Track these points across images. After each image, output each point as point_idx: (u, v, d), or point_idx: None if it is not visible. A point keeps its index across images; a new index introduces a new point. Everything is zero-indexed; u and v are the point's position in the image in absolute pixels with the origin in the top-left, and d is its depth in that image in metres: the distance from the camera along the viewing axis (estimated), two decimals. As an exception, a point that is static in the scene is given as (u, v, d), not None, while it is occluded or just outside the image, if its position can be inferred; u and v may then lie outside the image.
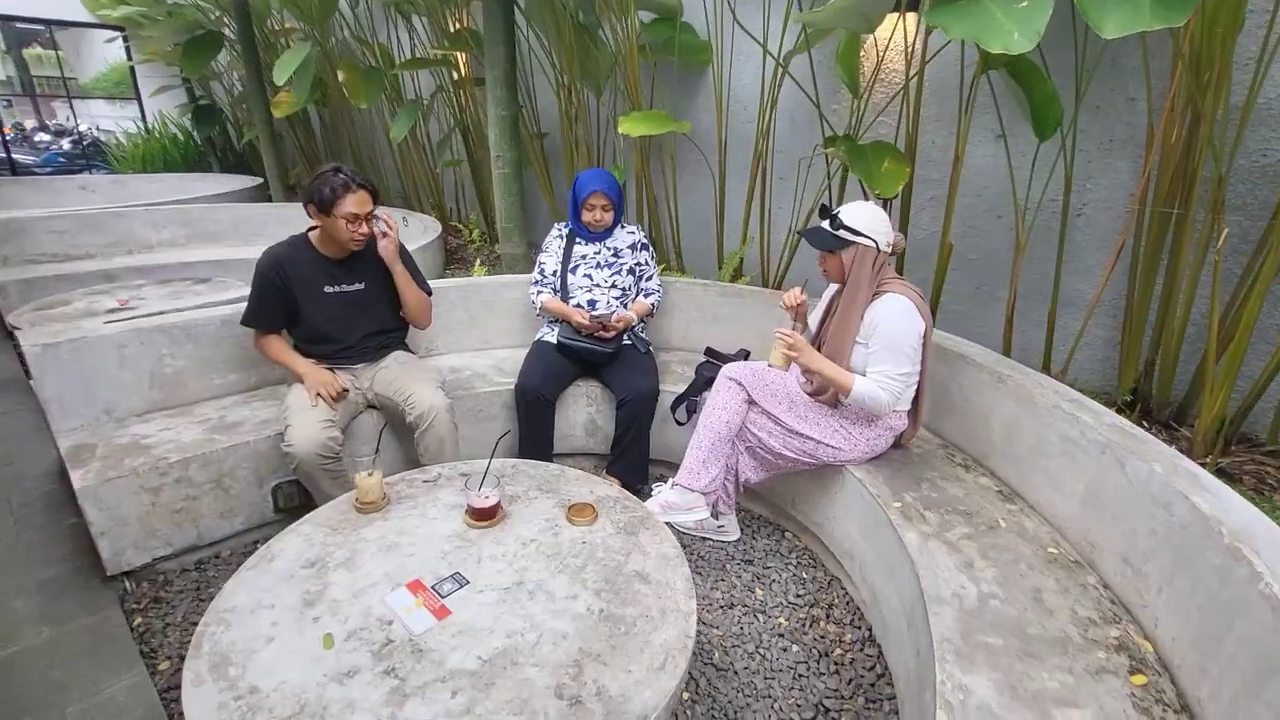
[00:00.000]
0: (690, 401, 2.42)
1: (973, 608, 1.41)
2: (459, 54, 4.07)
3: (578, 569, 1.45)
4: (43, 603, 1.88)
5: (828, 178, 2.80)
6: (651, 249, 2.70)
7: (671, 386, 2.48)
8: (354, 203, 1.95)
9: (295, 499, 2.18)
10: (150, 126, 7.54)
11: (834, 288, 2.05)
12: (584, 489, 1.78)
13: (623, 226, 2.65)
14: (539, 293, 2.58)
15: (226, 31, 5.53)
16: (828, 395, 1.97)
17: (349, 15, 5.06)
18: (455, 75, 4.30)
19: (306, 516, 1.64)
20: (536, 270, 2.63)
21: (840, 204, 2.82)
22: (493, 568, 1.45)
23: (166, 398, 2.26)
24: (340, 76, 4.05)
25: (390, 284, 2.19)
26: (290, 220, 5.14)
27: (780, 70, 2.78)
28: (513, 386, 2.46)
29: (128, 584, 1.96)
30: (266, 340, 2.11)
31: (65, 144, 9.30)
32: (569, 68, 3.42)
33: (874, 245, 1.82)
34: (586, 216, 2.51)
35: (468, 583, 1.40)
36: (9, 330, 3.84)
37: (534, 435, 2.42)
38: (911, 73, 2.37)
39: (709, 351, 2.63)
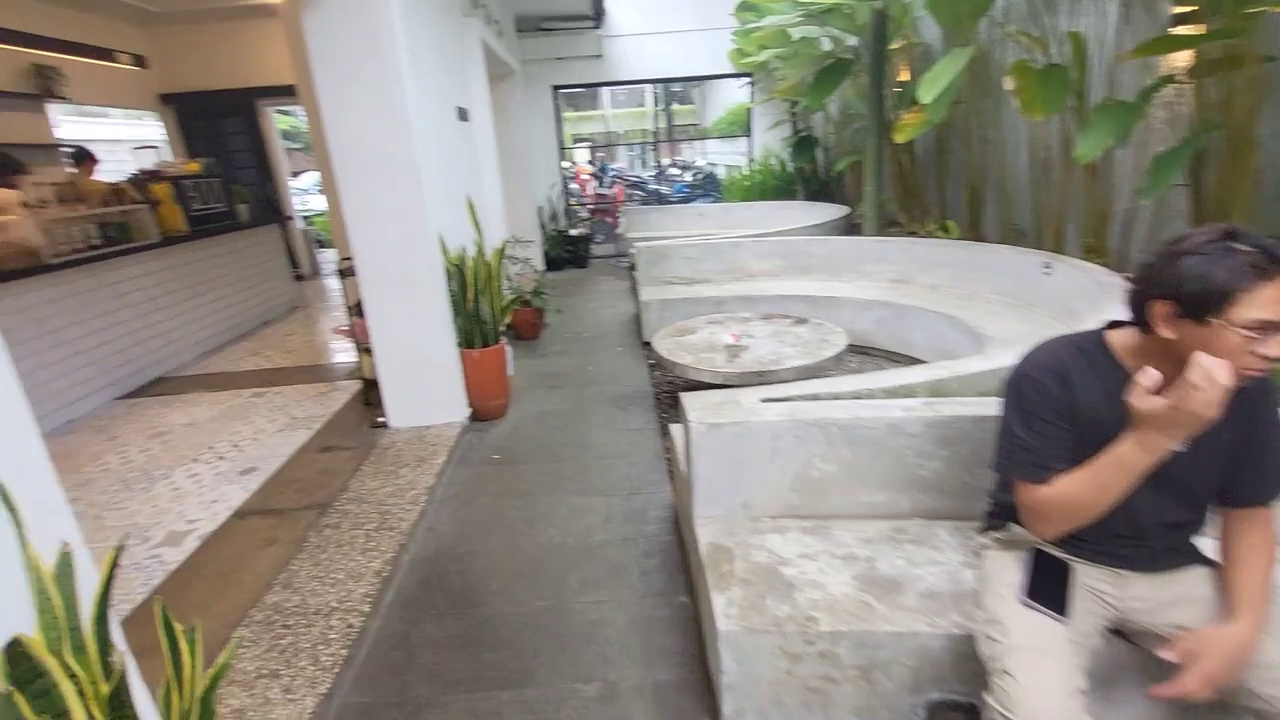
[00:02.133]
0: None
1: None
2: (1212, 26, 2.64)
3: None
4: (657, 725, 1.62)
5: None
6: None
7: None
8: (1269, 301, 0.98)
9: (955, 728, 1.41)
10: (755, 161, 8.41)
11: None
12: None
13: None
14: None
15: (849, 56, 5.39)
16: None
17: (998, 5, 4.14)
18: (1188, 59, 2.87)
19: None
20: None
21: None
22: None
23: (802, 504, 1.80)
24: (1009, 83, 3.17)
25: (1223, 451, 1.15)
26: (886, 257, 4.59)
27: None
28: None
29: (737, 751, 1.54)
30: (1052, 490, 1.19)
31: (688, 177, 11.51)
32: None
33: None
34: None
35: None
36: (643, 342, 4.48)
37: None
38: None
39: None
